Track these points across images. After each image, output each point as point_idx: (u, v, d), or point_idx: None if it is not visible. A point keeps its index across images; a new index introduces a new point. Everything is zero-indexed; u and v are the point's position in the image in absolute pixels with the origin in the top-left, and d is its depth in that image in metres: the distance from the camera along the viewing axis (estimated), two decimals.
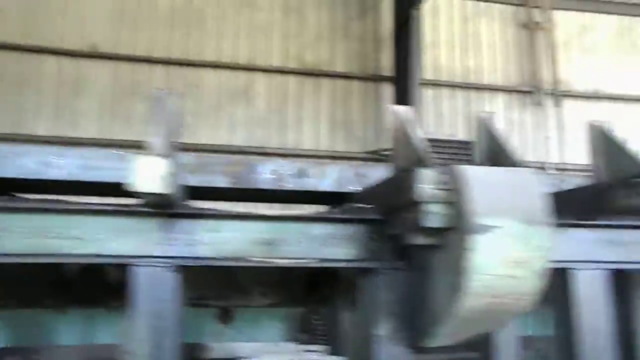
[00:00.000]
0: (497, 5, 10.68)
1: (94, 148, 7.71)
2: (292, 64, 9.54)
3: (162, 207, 1.66)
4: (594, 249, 1.93)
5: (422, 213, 1.47)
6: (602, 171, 1.80)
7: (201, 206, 1.82)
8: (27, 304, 2.48)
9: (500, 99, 10.36)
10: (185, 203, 1.81)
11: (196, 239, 1.73)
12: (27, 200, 1.91)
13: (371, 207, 1.82)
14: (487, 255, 1.40)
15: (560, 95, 10.43)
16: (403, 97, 9.04)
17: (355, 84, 9.76)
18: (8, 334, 2.69)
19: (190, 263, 1.73)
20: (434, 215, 1.46)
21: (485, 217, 1.40)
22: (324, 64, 9.69)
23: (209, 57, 9.25)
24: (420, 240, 1.54)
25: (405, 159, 1.64)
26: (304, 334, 2.81)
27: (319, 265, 1.78)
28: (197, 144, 8.67)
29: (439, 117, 9.95)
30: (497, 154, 1.75)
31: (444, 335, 1.60)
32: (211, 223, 1.75)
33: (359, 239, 1.78)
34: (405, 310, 1.75)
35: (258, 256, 1.76)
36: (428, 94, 9.90)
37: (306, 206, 2.58)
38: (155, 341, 1.64)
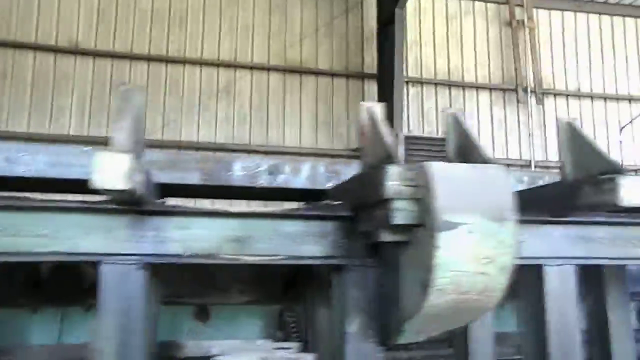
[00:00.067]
0: (480, 3, 10.74)
1: (73, 145, 7.64)
2: (274, 61, 9.52)
3: (130, 204, 1.64)
4: (563, 245, 1.95)
5: (390, 210, 1.47)
6: (570, 168, 1.81)
7: (172, 203, 1.80)
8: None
9: (483, 96, 10.43)
10: (155, 200, 1.80)
11: (166, 236, 1.72)
12: None
13: (342, 204, 1.82)
14: (453, 252, 1.40)
15: (542, 93, 10.53)
16: (386, 94, 9.06)
17: (339, 81, 9.76)
18: None
19: (160, 260, 1.71)
20: (402, 212, 1.46)
21: (452, 214, 1.40)
22: (307, 61, 9.68)
23: (190, 54, 9.19)
24: (389, 237, 1.54)
25: (375, 155, 1.64)
26: (281, 331, 2.81)
27: (289, 262, 1.77)
28: (179, 142, 8.62)
29: (422, 115, 9.99)
30: (467, 150, 1.76)
31: (413, 332, 1.61)
32: (181, 220, 1.74)
33: (329, 236, 1.78)
34: (376, 307, 1.75)
35: (228, 253, 1.75)
36: (411, 91, 9.94)
37: (286, 203, 2.57)
38: (122, 339, 1.63)
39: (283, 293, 2.75)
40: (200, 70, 9.21)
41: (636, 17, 11.44)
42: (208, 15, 9.39)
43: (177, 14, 9.27)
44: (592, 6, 11.22)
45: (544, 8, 10.96)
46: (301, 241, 1.77)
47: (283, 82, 9.52)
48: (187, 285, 2.67)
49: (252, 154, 8.64)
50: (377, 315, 1.74)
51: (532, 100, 10.43)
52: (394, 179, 1.46)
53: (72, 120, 8.61)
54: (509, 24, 10.70)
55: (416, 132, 9.67)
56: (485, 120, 10.32)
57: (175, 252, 1.72)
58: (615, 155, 10.28)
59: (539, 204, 1.98)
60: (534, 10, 10.80)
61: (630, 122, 10.68)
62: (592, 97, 10.88)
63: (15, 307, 2.59)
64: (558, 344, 1.92)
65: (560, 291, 1.95)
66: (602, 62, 11.09)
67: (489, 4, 10.78)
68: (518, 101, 10.41)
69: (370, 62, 9.80)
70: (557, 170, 2.16)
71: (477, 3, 10.73)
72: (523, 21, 10.68)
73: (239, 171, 2.10)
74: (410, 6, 9.66)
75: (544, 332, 1.93)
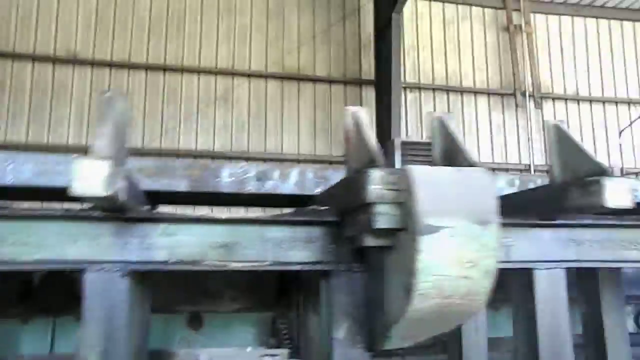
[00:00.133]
0: (477, 8, 10.76)
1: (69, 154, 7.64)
2: (272, 69, 9.54)
3: (114, 211, 1.63)
4: (553, 248, 1.94)
5: (373, 214, 1.46)
6: (558, 170, 1.80)
7: (158, 210, 1.80)
8: None
9: (481, 101, 10.43)
10: (141, 207, 1.79)
11: (151, 243, 1.71)
12: None
13: (329, 210, 1.81)
14: (436, 256, 1.39)
15: (540, 97, 10.53)
16: (384, 100, 9.07)
17: (336, 88, 9.78)
18: None
19: (145, 267, 1.70)
20: (384, 216, 1.45)
21: (434, 217, 1.39)
22: (305, 68, 9.70)
23: (188, 62, 9.21)
24: (372, 241, 1.52)
25: (358, 160, 1.64)
26: (274, 338, 2.79)
27: (276, 268, 1.76)
28: (177, 150, 8.62)
29: (420, 121, 9.99)
30: (453, 154, 1.75)
31: (399, 337, 1.59)
32: (167, 227, 1.73)
33: (316, 242, 1.77)
34: (363, 313, 1.74)
35: (215, 259, 1.74)
36: (409, 97, 9.95)
37: (277, 210, 2.57)
38: (107, 347, 1.61)
39: (276, 300, 2.74)
40: (198, 78, 9.24)
41: (634, 20, 11.45)
42: (205, 23, 9.43)
43: (174, 22, 9.30)
44: (589, 10, 11.24)
45: (542, 12, 10.99)
46: (288, 247, 1.76)
47: (281, 89, 9.54)
48: (180, 293, 2.66)
49: (249, 162, 8.63)
50: (364, 320, 1.73)
51: (531, 104, 10.43)
52: (376, 183, 1.45)
53: (71, 129, 8.64)
54: (507, 28, 10.72)
55: (414, 138, 9.67)
56: (484, 125, 10.33)
57: (161, 259, 1.71)
58: (615, 159, 10.27)
59: (529, 207, 1.97)
60: (532, 14, 10.83)
61: (630, 125, 10.66)
62: (590, 100, 10.88)
63: (6, 318, 2.58)
64: (549, 347, 1.90)
65: (551, 294, 1.93)
66: (600, 66, 11.10)
67: (486, 9, 10.81)
68: (517, 106, 10.41)
69: (368, 68, 9.82)
70: None
71: (474, 8, 10.75)
72: (520, 26, 10.70)
73: (227, 177, 2.10)
74: (407, 11, 9.69)
75: (535, 335, 1.92)
